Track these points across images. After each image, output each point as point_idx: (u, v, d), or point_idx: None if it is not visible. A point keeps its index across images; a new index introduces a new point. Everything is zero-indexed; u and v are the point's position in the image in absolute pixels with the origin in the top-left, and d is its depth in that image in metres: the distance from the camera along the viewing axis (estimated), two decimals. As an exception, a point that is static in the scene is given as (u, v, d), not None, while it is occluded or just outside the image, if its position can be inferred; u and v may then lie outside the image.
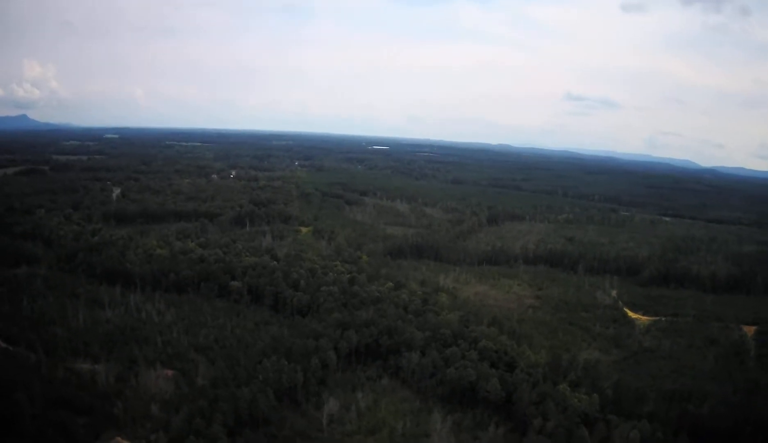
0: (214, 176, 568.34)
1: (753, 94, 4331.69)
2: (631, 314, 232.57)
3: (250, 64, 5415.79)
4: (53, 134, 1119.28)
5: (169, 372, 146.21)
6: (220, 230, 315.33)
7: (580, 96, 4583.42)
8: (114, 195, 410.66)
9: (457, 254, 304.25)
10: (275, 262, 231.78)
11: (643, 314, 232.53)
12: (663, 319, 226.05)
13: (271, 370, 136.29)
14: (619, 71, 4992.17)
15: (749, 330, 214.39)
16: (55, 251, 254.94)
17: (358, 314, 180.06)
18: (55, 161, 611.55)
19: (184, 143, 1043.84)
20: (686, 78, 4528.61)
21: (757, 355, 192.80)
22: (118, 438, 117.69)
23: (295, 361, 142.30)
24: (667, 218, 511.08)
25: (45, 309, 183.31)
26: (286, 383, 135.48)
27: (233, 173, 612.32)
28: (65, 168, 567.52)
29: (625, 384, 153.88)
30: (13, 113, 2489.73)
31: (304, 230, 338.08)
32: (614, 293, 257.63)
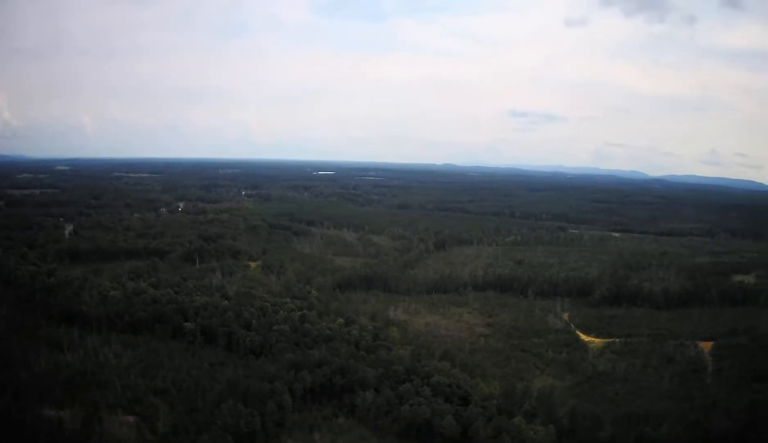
0: (163, 210, 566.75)
1: (701, 99, 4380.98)
2: (583, 337, 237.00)
3: (191, 84, 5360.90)
4: (6, 167, 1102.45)
5: (131, 418, 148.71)
6: (171, 268, 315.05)
7: (525, 112, 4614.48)
8: (66, 232, 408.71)
9: (406, 283, 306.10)
10: (226, 301, 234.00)
11: (596, 337, 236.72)
12: (617, 340, 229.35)
13: (229, 415, 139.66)
14: (563, 85, 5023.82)
15: (706, 346, 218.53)
16: (14, 291, 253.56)
17: (311, 353, 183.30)
18: (9, 196, 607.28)
19: (132, 175, 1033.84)
20: (632, 87, 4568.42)
21: (715, 371, 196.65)
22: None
23: (251, 405, 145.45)
24: (617, 234, 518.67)
25: (9, 353, 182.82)
26: (244, 428, 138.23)
27: (181, 205, 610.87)
28: (19, 203, 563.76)
29: (581, 410, 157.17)
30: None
31: (253, 264, 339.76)
32: (566, 316, 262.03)
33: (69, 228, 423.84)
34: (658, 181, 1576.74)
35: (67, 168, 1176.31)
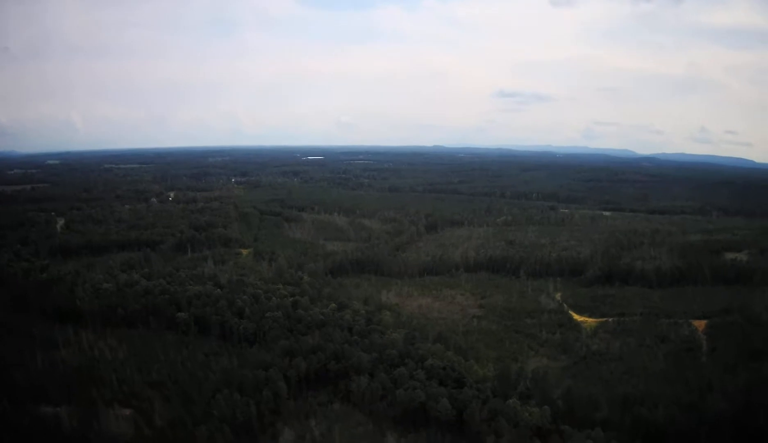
0: (154, 200, 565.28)
1: (689, 77, 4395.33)
2: (576, 317, 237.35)
3: (179, 80, 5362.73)
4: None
5: (127, 412, 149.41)
6: (163, 258, 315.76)
7: (513, 92, 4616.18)
8: (58, 227, 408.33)
9: (398, 266, 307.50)
10: (219, 289, 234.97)
11: (590, 316, 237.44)
12: (610, 320, 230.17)
13: (225, 405, 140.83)
14: (550, 65, 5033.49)
15: (699, 325, 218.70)
16: (8, 288, 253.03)
17: (305, 339, 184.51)
18: (0, 193, 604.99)
19: (122, 166, 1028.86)
20: (620, 67, 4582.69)
21: (709, 350, 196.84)
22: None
23: (247, 394, 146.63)
24: (608, 213, 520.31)
25: (4, 351, 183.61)
26: (240, 417, 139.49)
27: (171, 195, 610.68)
28: (11, 200, 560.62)
29: (576, 391, 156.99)
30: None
31: (244, 252, 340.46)
32: (558, 296, 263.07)
33: (61, 223, 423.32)
34: (649, 159, 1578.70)
35: (57, 162, 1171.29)
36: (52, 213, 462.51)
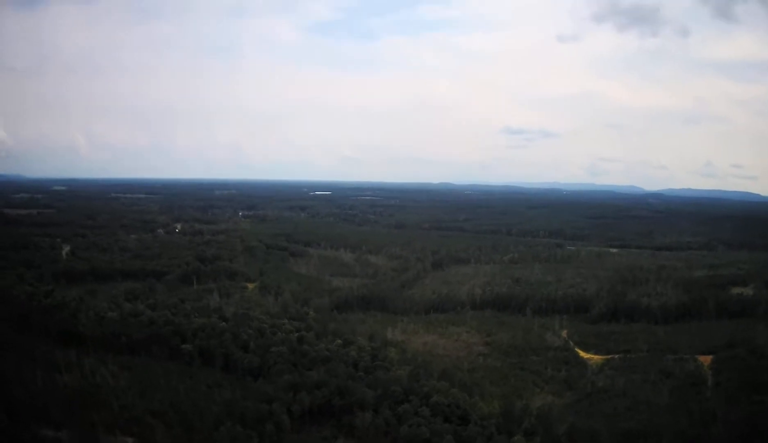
0: (160, 231, 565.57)
1: (695, 112, 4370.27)
2: (582, 354, 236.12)
3: (185, 108, 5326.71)
4: (3, 186, 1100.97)
5: (129, 440, 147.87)
6: (168, 289, 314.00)
7: (519, 129, 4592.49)
8: (63, 253, 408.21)
9: (404, 303, 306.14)
10: (224, 323, 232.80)
11: (595, 353, 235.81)
12: (615, 356, 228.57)
13: (228, 437, 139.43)
14: (556, 100, 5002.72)
15: (705, 360, 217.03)
16: (11, 311, 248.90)
17: (309, 374, 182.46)
18: (6, 216, 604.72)
19: (129, 195, 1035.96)
20: (625, 102, 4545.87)
21: (714, 384, 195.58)
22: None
23: (250, 427, 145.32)
24: (614, 249, 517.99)
25: (5, 373, 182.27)
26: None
27: (178, 227, 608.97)
28: (17, 223, 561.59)
29: (580, 427, 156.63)
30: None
31: (250, 286, 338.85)
32: (564, 333, 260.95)
33: (66, 249, 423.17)
34: (655, 195, 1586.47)
35: (64, 188, 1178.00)
36: (58, 239, 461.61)
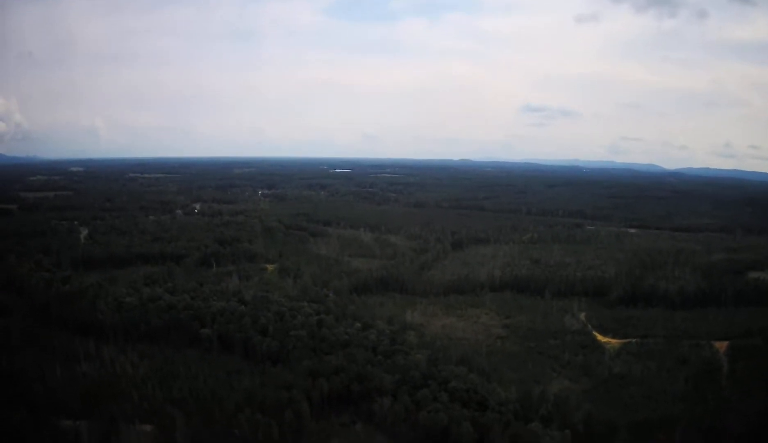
0: (179, 212, 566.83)
1: (713, 94, 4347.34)
2: (600, 338, 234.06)
3: (205, 90, 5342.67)
4: (20, 169, 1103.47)
5: (148, 428, 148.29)
6: (187, 272, 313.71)
7: (539, 107, 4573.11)
8: (81, 237, 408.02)
9: (423, 285, 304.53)
10: (243, 306, 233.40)
11: (613, 338, 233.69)
12: (633, 341, 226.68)
13: (247, 425, 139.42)
14: (576, 80, 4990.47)
15: (721, 346, 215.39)
16: (28, 301, 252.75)
17: (328, 359, 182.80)
18: (23, 200, 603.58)
19: (146, 175, 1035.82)
20: (644, 82, 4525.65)
21: (729, 371, 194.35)
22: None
23: (269, 414, 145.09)
24: (633, 230, 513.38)
25: (24, 365, 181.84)
26: (262, 438, 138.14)
27: (197, 207, 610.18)
28: (33, 207, 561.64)
29: (596, 415, 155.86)
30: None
31: (269, 268, 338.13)
32: (582, 316, 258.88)
33: (84, 233, 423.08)
34: (675, 174, 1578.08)
35: (81, 169, 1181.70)
36: (75, 223, 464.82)
